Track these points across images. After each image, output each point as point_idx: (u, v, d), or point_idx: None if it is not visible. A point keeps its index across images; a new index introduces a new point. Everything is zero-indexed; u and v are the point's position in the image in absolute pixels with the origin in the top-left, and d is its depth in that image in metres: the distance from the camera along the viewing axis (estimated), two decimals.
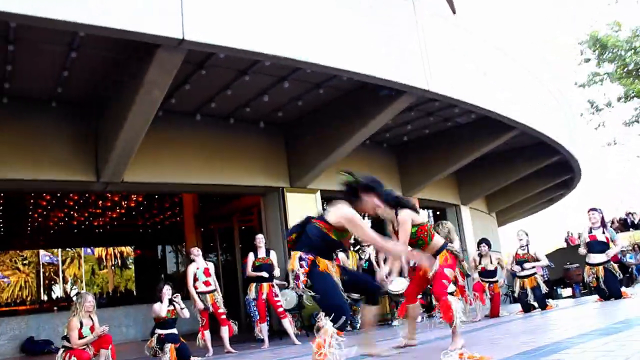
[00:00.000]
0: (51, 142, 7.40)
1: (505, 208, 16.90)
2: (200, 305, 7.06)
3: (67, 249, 22.61)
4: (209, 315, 7.14)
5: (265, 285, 7.47)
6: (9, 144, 7.08)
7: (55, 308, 14.85)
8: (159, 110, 6.74)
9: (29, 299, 22.44)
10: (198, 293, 7.13)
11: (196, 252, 7.40)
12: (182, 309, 6.54)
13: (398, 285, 7.45)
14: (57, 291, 24.13)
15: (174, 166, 8.38)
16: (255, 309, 7.49)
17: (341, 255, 7.67)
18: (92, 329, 5.84)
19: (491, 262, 8.25)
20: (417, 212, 4.38)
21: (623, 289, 8.03)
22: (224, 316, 7.17)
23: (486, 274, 8.25)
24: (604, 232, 7.84)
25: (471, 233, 13.36)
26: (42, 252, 19.17)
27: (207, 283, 7.18)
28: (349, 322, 3.31)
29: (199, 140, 8.72)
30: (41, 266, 21.17)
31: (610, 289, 7.63)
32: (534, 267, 8.12)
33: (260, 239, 7.73)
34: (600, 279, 7.68)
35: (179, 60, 5.62)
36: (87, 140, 7.63)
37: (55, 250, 20.63)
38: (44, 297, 22.15)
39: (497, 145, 10.78)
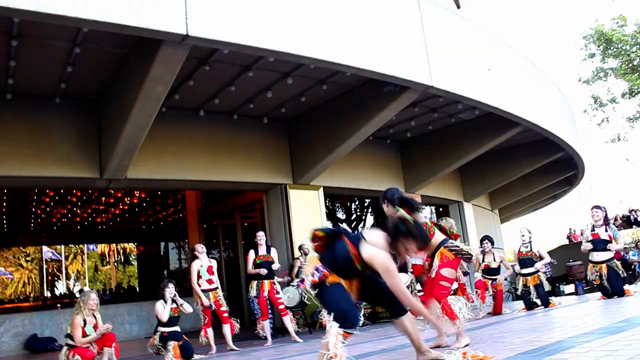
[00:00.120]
0: (55, 138, 7.39)
1: (507, 205, 16.86)
2: (206, 302, 7.03)
3: (70, 245, 22.64)
4: (211, 313, 7.13)
5: (266, 282, 7.44)
6: (12, 140, 7.09)
7: (58, 305, 14.87)
8: (162, 106, 6.73)
9: (32, 295, 22.49)
10: (201, 291, 7.11)
11: (200, 249, 7.35)
12: (181, 304, 6.55)
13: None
14: (60, 287, 24.19)
15: (178, 162, 8.37)
16: (257, 306, 7.47)
17: None
18: (95, 327, 5.85)
19: (494, 260, 8.24)
20: (419, 210, 4.33)
21: (626, 286, 8.02)
22: (226, 314, 7.15)
23: (489, 271, 8.24)
24: (606, 230, 7.79)
25: (474, 230, 13.35)
26: (45, 248, 19.19)
27: (210, 281, 7.14)
28: (355, 325, 3.23)
29: (202, 137, 8.72)
30: (44, 262, 21.19)
31: (613, 287, 7.61)
32: (545, 265, 8.05)
33: (260, 236, 7.66)
34: (604, 276, 7.67)
35: (182, 56, 5.61)
36: (91, 136, 7.64)
37: (59, 246, 20.64)
38: (47, 294, 22.21)
39: (500, 142, 10.75)
